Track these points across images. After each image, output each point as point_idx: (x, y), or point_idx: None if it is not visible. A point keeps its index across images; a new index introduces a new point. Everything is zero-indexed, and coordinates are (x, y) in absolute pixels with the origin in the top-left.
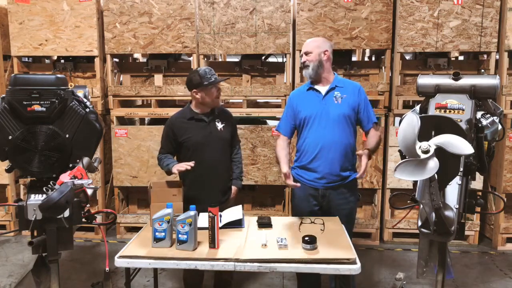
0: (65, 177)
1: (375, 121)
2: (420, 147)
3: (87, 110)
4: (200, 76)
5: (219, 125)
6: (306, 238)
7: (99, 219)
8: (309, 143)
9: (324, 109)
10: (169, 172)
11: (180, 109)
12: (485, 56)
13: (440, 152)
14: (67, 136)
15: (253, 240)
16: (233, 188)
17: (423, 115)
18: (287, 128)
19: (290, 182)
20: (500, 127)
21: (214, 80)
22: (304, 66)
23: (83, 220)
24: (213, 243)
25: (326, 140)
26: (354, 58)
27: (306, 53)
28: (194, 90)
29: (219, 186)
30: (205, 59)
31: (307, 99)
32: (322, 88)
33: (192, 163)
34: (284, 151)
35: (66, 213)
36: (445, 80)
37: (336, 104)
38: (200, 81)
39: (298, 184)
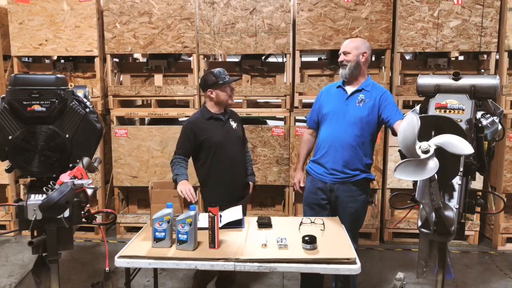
0: (65, 177)
1: (403, 117)
2: (420, 147)
3: (87, 110)
4: (215, 76)
5: (233, 124)
6: (306, 238)
7: (99, 219)
8: (322, 139)
9: (344, 109)
10: (175, 182)
11: (196, 111)
12: (485, 56)
13: (440, 152)
14: (67, 136)
15: (253, 240)
16: (251, 184)
17: (423, 115)
18: (311, 119)
19: (296, 187)
20: (500, 127)
21: (228, 79)
22: (341, 65)
23: (83, 220)
24: (213, 243)
25: (338, 138)
26: None
27: (344, 53)
28: (210, 89)
29: (240, 183)
30: (205, 59)
31: (333, 96)
32: (350, 89)
33: (196, 199)
34: (304, 149)
35: (66, 213)
36: (445, 80)
37: (357, 106)
38: (215, 81)
39: (299, 190)
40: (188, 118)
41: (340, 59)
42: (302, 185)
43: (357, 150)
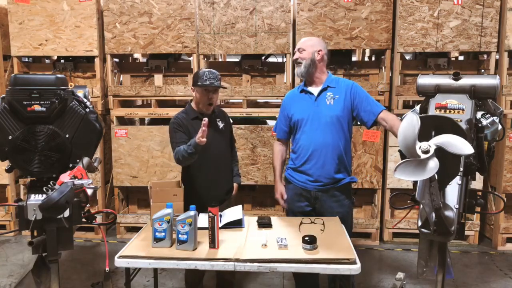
0: (65, 177)
1: (382, 109)
2: (420, 147)
3: (87, 110)
4: (199, 75)
5: (220, 124)
6: (306, 238)
7: (99, 219)
8: (301, 146)
9: (316, 111)
10: (196, 148)
11: (181, 109)
12: (485, 56)
13: (440, 152)
14: (67, 136)
15: (253, 240)
16: (235, 185)
17: (423, 115)
18: (281, 130)
19: (281, 202)
20: (500, 127)
21: (207, 83)
22: (296, 63)
23: (83, 220)
24: (213, 243)
25: (318, 142)
26: (354, 58)
27: (299, 50)
28: (192, 87)
29: (223, 185)
30: (205, 59)
31: (299, 101)
32: (315, 90)
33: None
34: (278, 160)
35: (66, 213)
36: (445, 80)
37: (328, 105)
38: (196, 80)
39: (284, 204)
40: (173, 116)
41: (295, 56)
42: (285, 197)
43: (340, 150)
